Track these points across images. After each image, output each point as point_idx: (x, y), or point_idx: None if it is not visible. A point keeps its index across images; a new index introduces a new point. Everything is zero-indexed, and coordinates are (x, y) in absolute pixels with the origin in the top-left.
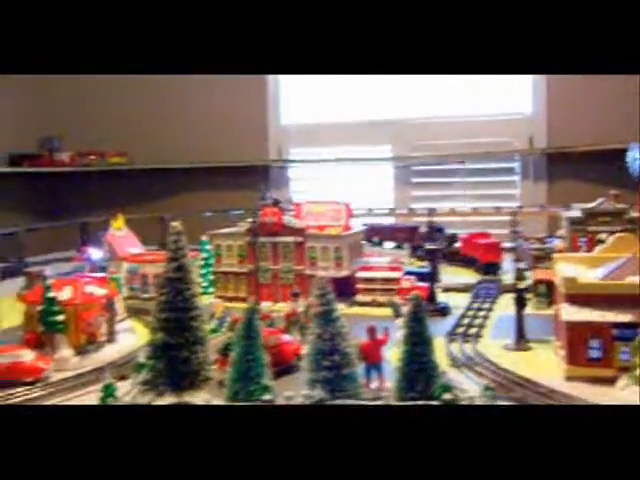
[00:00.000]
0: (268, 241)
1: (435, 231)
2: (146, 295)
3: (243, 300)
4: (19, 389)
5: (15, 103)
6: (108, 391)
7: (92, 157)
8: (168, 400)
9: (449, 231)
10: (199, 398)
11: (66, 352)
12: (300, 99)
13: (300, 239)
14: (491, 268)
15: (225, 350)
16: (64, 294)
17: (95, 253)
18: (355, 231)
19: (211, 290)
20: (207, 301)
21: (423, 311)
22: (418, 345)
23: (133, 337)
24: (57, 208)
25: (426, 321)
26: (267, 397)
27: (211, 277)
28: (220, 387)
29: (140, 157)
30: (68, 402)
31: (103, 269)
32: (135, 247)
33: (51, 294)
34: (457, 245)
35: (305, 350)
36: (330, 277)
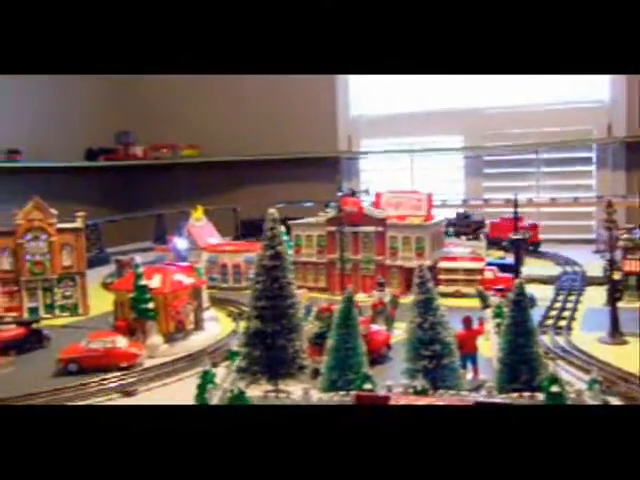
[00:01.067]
0: (349, 231)
1: (463, 218)
2: (225, 285)
3: (323, 290)
4: (115, 374)
5: (93, 100)
6: (207, 377)
7: (164, 150)
8: (264, 387)
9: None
10: (294, 386)
11: (156, 339)
12: (370, 90)
13: (381, 229)
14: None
15: (316, 339)
16: (154, 282)
17: (181, 243)
18: (437, 221)
19: None
20: None
21: (526, 300)
22: (521, 336)
23: (218, 325)
24: (131, 200)
25: (529, 310)
26: (368, 386)
27: None
28: (314, 376)
29: (212, 150)
30: (162, 388)
31: (184, 259)
32: (214, 237)
33: (142, 282)
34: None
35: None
36: (410, 267)
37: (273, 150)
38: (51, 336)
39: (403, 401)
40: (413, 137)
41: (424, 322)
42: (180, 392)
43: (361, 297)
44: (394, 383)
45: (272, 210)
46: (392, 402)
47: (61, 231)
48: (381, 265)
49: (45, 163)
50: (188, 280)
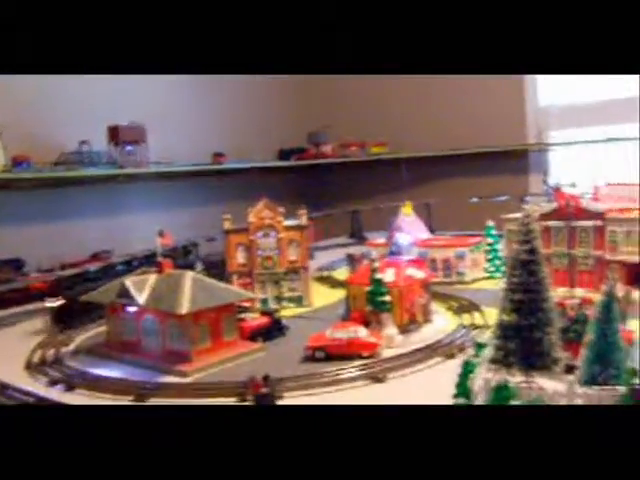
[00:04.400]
0: (564, 225)
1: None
2: (435, 280)
3: None
4: (360, 362)
5: (285, 103)
6: (468, 367)
7: (353, 148)
8: (518, 379)
9: None
10: (549, 381)
11: (392, 330)
12: (557, 79)
13: (600, 223)
14: None
15: (566, 333)
16: (388, 276)
17: (403, 237)
18: None
19: (498, 275)
20: (496, 285)
21: None
22: None
23: (444, 318)
24: (325, 198)
25: None
26: (636, 381)
27: (497, 262)
28: (567, 370)
29: (399, 146)
30: (408, 376)
31: (393, 253)
32: (423, 232)
33: (378, 276)
34: None
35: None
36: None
37: (460, 145)
38: (289, 325)
39: None
40: (604, 125)
41: None
42: (426, 380)
43: (578, 292)
44: None
45: (527, 207)
46: None
47: (288, 229)
48: (600, 260)
49: (245, 164)
50: (419, 274)
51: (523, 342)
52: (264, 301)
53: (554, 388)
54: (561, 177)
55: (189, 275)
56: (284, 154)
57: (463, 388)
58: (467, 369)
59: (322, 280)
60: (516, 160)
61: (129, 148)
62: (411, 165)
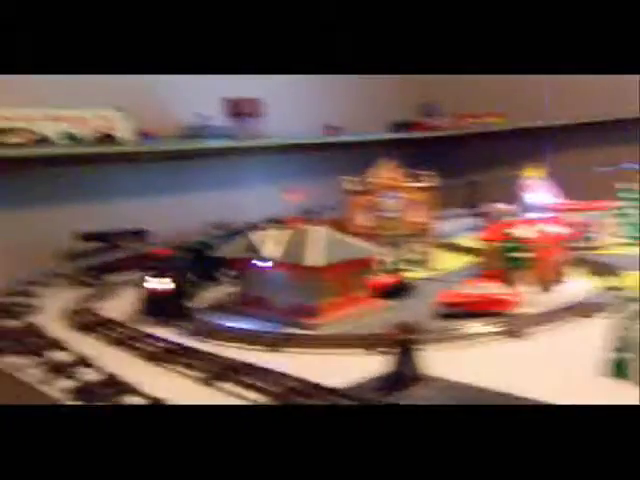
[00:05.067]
0: None
1: None
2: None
3: None
4: (494, 318)
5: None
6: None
7: (469, 119)
8: None
9: None
10: None
11: (529, 289)
12: None
13: None
14: None
15: None
16: (524, 232)
17: (533, 197)
18: None
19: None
20: (631, 251)
21: None
22: None
23: (581, 280)
24: (441, 169)
25: None
26: None
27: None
28: None
29: (517, 117)
30: (539, 335)
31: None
32: (551, 197)
33: (514, 231)
34: None
35: None
36: None
37: (576, 113)
38: (415, 286)
39: None
40: None
41: None
42: (565, 339)
43: None
44: None
45: None
46: None
47: (412, 189)
48: None
49: (359, 137)
50: (557, 230)
51: None
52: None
53: None
54: None
55: (321, 229)
56: (397, 127)
57: (623, 342)
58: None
59: (444, 247)
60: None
61: (246, 121)
62: (529, 136)
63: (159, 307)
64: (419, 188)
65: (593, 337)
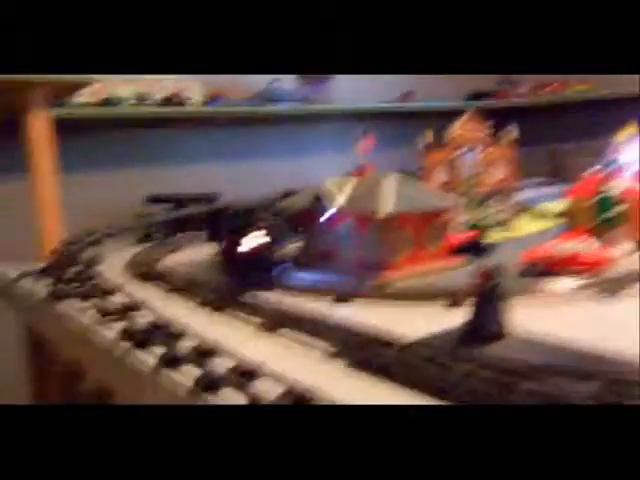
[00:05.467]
0: None
1: None
2: None
3: None
4: (578, 280)
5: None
6: None
7: (552, 87)
8: None
9: None
10: None
11: (625, 247)
12: None
13: None
14: None
15: None
16: (617, 187)
17: (627, 155)
18: None
19: None
20: None
21: None
22: None
23: None
24: (523, 138)
25: None
26: None
27: None
28: None
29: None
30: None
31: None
32: None
33: (607, 186)
34: None
35: None
36: None
37: None
38: (495, 245)
39: None
40: None
41: None
42: None
43: None
44: None
45: None
46: None
47: (495, 144)
48: None
49: (435, 103)
50: None
51: None
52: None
53: None
54: None
55: (393, 176)
56: (477, 97)
57: None
58: None
59: (526, 211)
60: None
61: (317, 85)
62: (615, 105)
63: (252, 272)
64: (503, 143)
65: None
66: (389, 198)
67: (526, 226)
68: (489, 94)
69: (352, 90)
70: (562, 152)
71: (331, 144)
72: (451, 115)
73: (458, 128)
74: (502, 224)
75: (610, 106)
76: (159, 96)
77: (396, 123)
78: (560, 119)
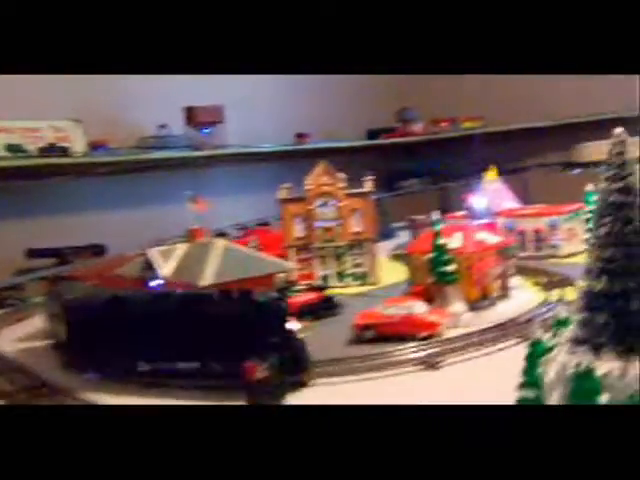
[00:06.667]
0: None
1: None
2: (523, 253)
3: None
4: (414, 344)
5: (372, 83)
6: (538, 349)
7: (444, 124)
8: (608, 365)
9: None
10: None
11: (459, 307)
12: None
13: None
14: None
15: None
16: (454, 242)
17: (478, 201)
18: None
19: None
20: None
21: None
22: None
23: (527, 294)
24: (414, 175)
25: None
26: None
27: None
28: None
29: (495, 120)
30: (468, 362)
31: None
32: (510, 201)
33: (442, 241)
34: None
35: None
36: None
37: (558, 115)
38: (342, 303)
39: None
40: None
41: None
42: (488, 367)
43: None
44: None
45: (619, 130)
46: None
47: (350, 196)
48: None
49: (331, 144)
50: (493, 239)
51: (617, 315)
52: (324, 278)
53: None
54: None
55: (220, 243)
56: (372, 134)
57: (532, 377)
58: (537, 351)
59: (399, 258)
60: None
61: (206, 130)
62: (505, 140)
63: None
64: (359, 194)
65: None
66: (212, 266)
67: (388, 276)
68: (386, 131)
69: (246, 133)
70: (451, 189)
71: (223, 187)
72: (348, 153)
73: (312, 181)
74: (362, 277)
75: (500, 141)
76: (34, 147)
77: (291, 163)
78: (453, 154)
